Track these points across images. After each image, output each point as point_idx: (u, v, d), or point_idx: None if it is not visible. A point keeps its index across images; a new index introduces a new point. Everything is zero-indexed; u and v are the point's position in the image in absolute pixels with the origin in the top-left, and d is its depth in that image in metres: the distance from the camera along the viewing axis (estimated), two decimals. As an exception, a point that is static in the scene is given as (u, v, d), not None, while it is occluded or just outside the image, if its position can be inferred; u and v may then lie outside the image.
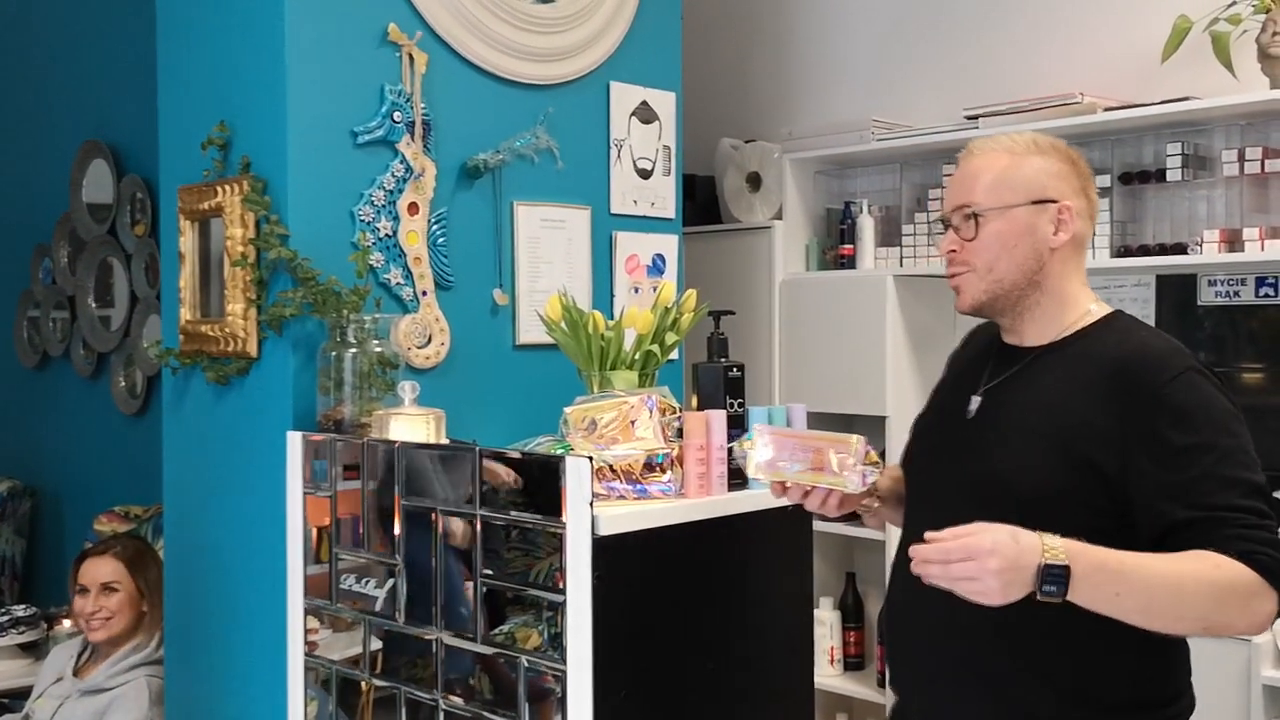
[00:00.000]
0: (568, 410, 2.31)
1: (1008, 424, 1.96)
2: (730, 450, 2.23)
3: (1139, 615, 1.71)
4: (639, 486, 2.23)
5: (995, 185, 1.96)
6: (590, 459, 2.05)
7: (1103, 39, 3.81)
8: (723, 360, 2.42)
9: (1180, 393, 1.81)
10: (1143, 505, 1.81)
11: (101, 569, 3.40)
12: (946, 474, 2.03)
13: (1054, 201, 1.94)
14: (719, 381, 2.36)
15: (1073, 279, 1.99)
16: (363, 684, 2.51)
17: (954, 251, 1.99)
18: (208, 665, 3.00)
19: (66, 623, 4.10)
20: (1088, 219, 2.00)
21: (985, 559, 1.63)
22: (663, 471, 2.23)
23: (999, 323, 2.06)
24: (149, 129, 3.28)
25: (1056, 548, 1.65)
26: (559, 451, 2.29)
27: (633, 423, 2.20)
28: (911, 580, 1.85)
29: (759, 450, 2.01)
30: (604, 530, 2.07)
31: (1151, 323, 3.70)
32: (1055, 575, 1.64)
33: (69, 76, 5.13)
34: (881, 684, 4.09)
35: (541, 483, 2.14)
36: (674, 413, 2.34)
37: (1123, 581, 1.69)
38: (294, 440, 2.65)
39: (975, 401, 2.03)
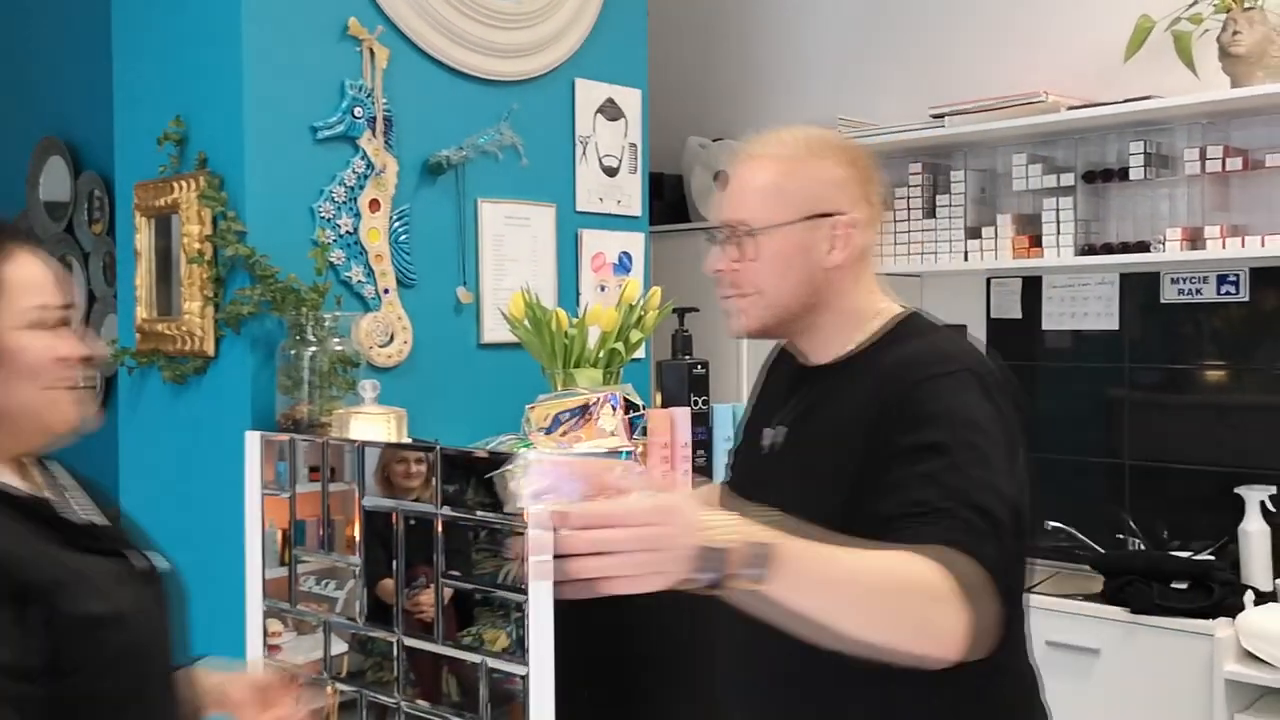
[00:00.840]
0: (530, 408, 2.29)
1: (793, 462, 1.77)
2: (493, 480, 2.05)
3: (814, 613, 1.42)
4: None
5: (767, 199, 1.72)
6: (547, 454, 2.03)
7: (1066, 38, 3.81)
8: (687, 357, 2.40)
9: (926, 395, 1.60)
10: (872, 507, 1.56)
11: None
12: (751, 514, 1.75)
13: (830, 215, 1.71)
14: (683, 379, 2.35)
15: (859, 292, 1.78)
16: (328, 689, 2.48)
17: (722, 271, 1.76)
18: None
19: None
20: (871, 227, 1.77)
21: (666, 528, 1.36)
22: (626, 469, 2.20)
23: (787, 342, 1.88)
24: (107, 125, 3.24)
25: (729, 530, 1.40)
26: (522, 449, 2.27)
27: (596, 420, 2.17)
28: (730, 630, 1.78)
29: (531, 479, 1.83)
30: (566, 530, 2.04)
31: (1115, 321, 3.72)
32: (713, 560, 1.37)
33: (25, 72, 5.05)
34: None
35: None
36: (637, 410, 2.32)
37: (806, 577, 1.41)
38: (252, 440, 2.62)
39: (769, 436, 1.83)
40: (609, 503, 1.40)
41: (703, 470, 2.34)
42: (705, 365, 2.40)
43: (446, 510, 2.20)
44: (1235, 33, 3.20)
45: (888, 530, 1.50)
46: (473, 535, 2.19)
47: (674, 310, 2.50)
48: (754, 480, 1.82)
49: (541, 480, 1.73)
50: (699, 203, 4.53)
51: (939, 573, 1.42)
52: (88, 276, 4.69)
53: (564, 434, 2.17)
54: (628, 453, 2.28)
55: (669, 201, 4.53)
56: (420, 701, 2.28)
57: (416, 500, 2.27)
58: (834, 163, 1.74)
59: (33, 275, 1.49)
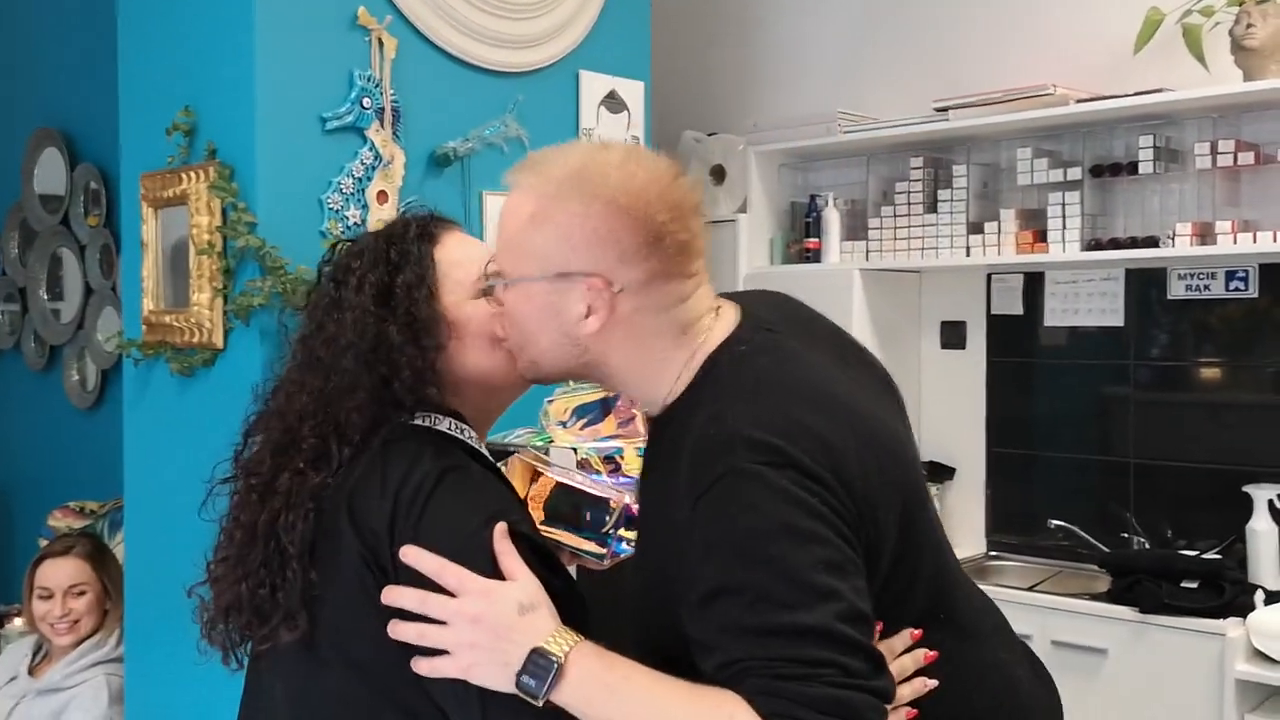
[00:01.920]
0: (549, 401, 2.26)
1: (639, 531, 1.61)
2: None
3: None
4: (624, 479, 2.18)
5: (511, 250, 1.48)
6: (574, 450, 2.00)
7: (1075, 30, 3.79)
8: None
9: (705, 518, 1.34)
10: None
11: (64, 571, 3.30)
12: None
13: (581, 275, 1.43)
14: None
15: (646, 348, 1.48)
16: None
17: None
18: (171, 664, 2.92)
19: (18, 621, 4.00)
20: (653, 285, 1.45)
21: (475, 630, 1.36)
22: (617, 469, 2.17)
23: None
24: (104, 116, 3.20)
25: (564, 641, 1.36)
26: (539, 444, 2.24)
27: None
28: None
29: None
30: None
31: (1120, 317, 3.70)
32: (539, 667, 1.34)
33: (21, 61, 5.00)
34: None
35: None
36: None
37: (610, 701, 1.34)
38: (262, 433, 2.58)
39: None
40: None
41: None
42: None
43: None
44: (1249, 25, 3.19)
45: (713, 675, 1.33)
46: None
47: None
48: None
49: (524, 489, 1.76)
50: (697, 197, 4.50)
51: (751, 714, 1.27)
52: (84, 269, 4.65)
53: (583, 427, 2.14)
54: (619, 450, 2.24)
55: (666, 195, 4.50)
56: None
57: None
58: (598, 208, 1.43)
59: (465, 253, 1.60)
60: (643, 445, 1.68)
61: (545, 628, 1.36)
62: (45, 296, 4.87)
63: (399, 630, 1.40)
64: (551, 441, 2.21)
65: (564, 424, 2.17)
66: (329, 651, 1.47)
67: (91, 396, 4.65)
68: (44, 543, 3.87)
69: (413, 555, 1.40)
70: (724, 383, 1.44)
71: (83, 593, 3.29)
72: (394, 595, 1.41)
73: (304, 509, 1.47)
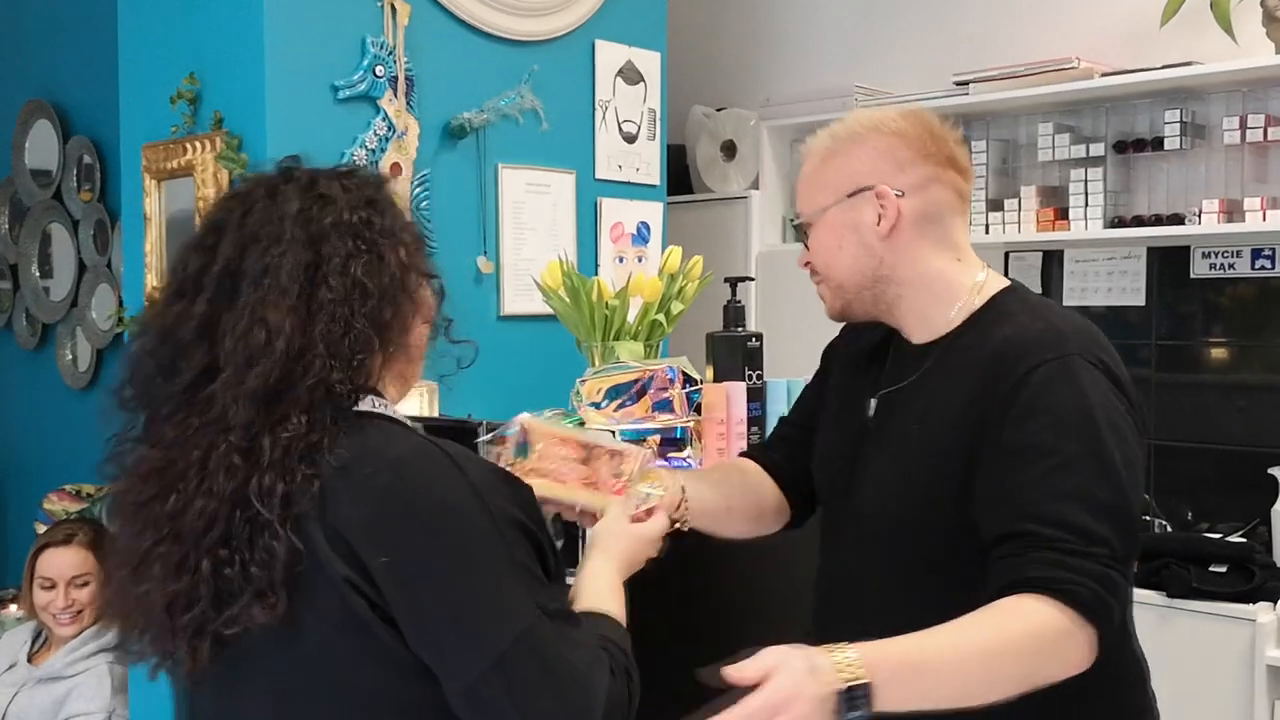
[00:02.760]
0: (581, 382, 2.17)
1: (896, 437, 1.76)
2: (476, 447, 1.88)
3: (954, 702, 1.47)
4: (658, 463, 2.10)
5: (811, 190, 1.79)
6: (613, 434, 1.91)
7: (1099, 1, 3.71)
8: (740, 330, 2.29)
9: (1034, 386, 1.57)
10: (979, 513, 1.59)
11: (67, 561, 3.22)
12: (843, 490, 1.83)
13: (869, 188, 1.71)
14: (737, 352, 2.23)
15: (930, 259, 1.74)
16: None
17: (806, 264, 1.84)
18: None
19: (13, 608, 3.90)
20: (932, 189, 1.73)
21: (792, 709, 1.38)
22: (683, 447, 2.09)
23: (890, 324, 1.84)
24: (99, 87, 3.10)
25: (853, 663, 1.40)
26: (569, 425, 2.15)
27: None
28: (825, 602, 1.84)
29: (515, 449, 1.78)
30: (627, 510, 1.93)
31: (1142, 297, 3.63)
32: (856, 698, 1.40)
33: (10, 32, 4.88)
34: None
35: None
36: (695, 384, 2.20)
37: (929, 675, 1.46)
38: (274, 414, 2.49)
39: (872, 405, 1.82)
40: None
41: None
42: (759, 338, 2.29)
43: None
44: (1282, -3, 3.11)
45: (994, 549, 1.52)
46: None
47: (725, 280, 2.39)
48: (847, 453, 1.80)
49: (531, 453, 1.74)
50: (704, 173, 4.42)
51: (1047, 612, 1.45)
52: (77, 245, 4.55)
53: (617, 409, 2.06)
54: (654, 432, 2.17)
55: (671, 172, 4.40)
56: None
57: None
58: (877, 137, 1.73)
59: None
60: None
61: (824, 664, 1.39)
62: (37, 273, 4.76)
63: None
64: (584, 424, 2.13)
65: (597, 405, 2.09)
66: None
67: (86, 376, 4.55)
68: (41, 528, 3.78)
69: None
70: (1022, 313, 1.68)
71: (86, 583, 3.21)
72: None
73: (294, 471, 1.34)
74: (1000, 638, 1.46)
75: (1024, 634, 1.46)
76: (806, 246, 1.80)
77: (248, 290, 1.40)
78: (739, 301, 2.32)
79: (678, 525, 1.81)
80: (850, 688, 1.38)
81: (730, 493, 1.92)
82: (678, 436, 2.10)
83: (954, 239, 1.74)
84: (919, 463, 1.68)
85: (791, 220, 1.92)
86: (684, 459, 2.10)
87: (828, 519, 1.90)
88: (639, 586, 1.95)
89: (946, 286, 1.73)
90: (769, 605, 2.06)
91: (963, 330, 1.71)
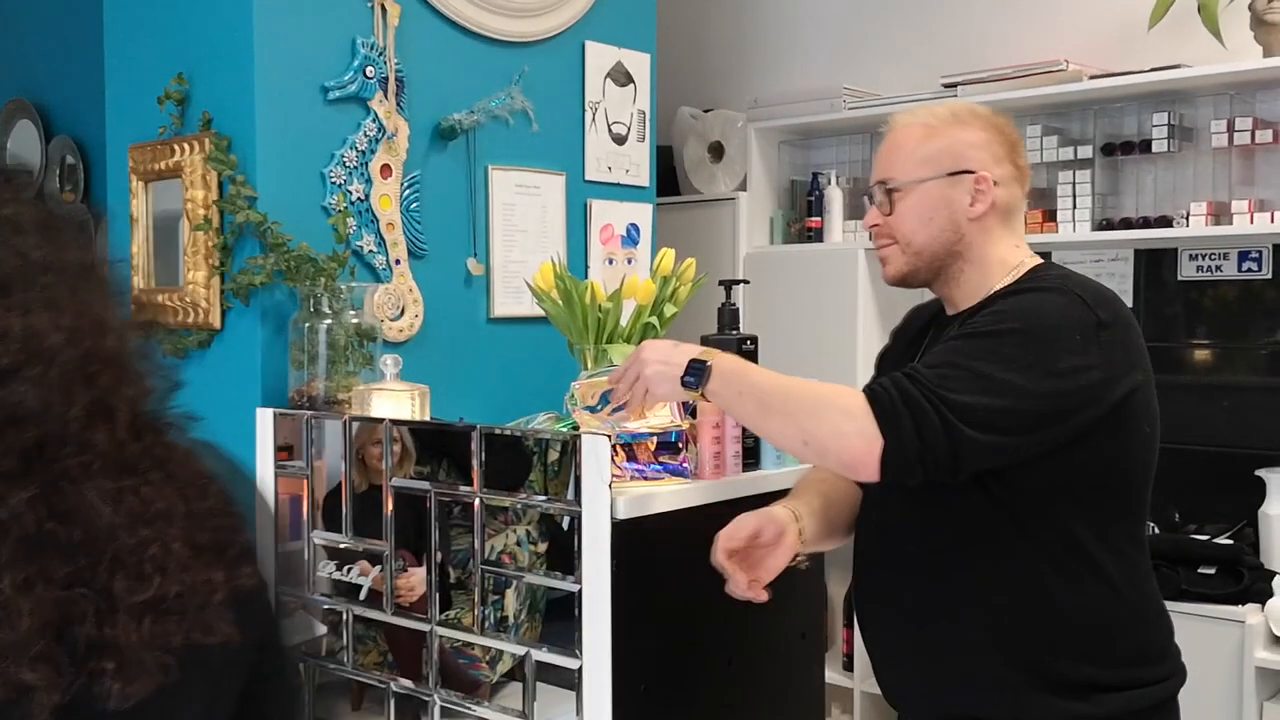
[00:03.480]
0: (576, 385, 2.15)
1: None
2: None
3: (754, 411, 1.82)
4: (653, 466, 2.08)
5: (910, 159, 1.94)
6: (608, 437, 1.90)
7: (1087, 4, 3.72)
8: (734, 332, 2.28)
9: (1011, 294, 1.85)
10: None
11: None
12: None
13: (970, 172, 1.90)
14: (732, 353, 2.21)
15: (999, 245, 1.94)
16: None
17: (877, 225, 1.98)
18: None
19: None
20: (1014, 185, 1.95)
21: (643, 359, 1.87)
22: (678, 451, 2.08)
23: (932, 290, 2.05)
24: (83, 86, 3.07)
25: (705, 352, 1.85)
26: (563, 429, 2.14)
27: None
28: (868, 558, 1.99)
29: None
30: (622, 514, 1.93)
31: (1129, 299, 3.64)
32: (696, 370, 1.82)
33: (-10, 32, 4.84)
34: (848, 666, 4.00)
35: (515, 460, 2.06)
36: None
37: (746, 380, 1.82)
38: (264, 417, 2.47)
39: None
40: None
41: (751, 452, 2.22)
42: (755, 340, 2.28)
43: (487, 493, 2.07)
44: (1271, 0, 3.12)
45: None
46: (449, 512, 2.15)
47: (720, 283, 2.38)
48: None
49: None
50: (691, 175, 4.41)
51: (850, 393, 1.74)
52: (59, 246, 4.50)
53: (611, 413, 2.04)
54: (648, 436, 2.15)
55: (659, 173, 4.39)
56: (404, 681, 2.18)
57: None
58: (977, 128, 1.93)
59: None
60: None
61: (685, 346, 1.89)
62: (19, 274, 4.72)
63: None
64: (577, 427, 2.11)
65: (592, 409, 2.07)
66: None
67: (69, 378, 4.51)
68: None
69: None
70: (1050, 278, 1.87)
71: None
72: None
73: None
74: (803, 385, 1.78)
75: (819, 390, 1.77)
76: (881, 209, 1.96)
77: None
78: (734, 304, 2.31)
79: (798, 563, 2.00)
80: (696, 361, 1.83)
81: (829, 513, 2.04)
82: (672, 440, 2.08)
83: (1019, 231, 1.97)
84: None
85: (872, 187, 1.99)
86: (679, 463, 2.09)
87: (868, 491, 2.02)
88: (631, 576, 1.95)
89: (1000, 265, 1.93)
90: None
91: (996, 296, 1.89)
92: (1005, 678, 1.82)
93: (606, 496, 1.89)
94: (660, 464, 2.08)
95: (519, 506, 2.07)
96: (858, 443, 1.70)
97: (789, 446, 1.84)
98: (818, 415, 1.74)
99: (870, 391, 1.72)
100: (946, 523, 1.84)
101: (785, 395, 1.78)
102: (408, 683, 2.21)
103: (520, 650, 2.04)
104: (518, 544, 2.08)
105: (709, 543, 1.91)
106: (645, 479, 2.07)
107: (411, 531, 2.21)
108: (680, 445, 2.09)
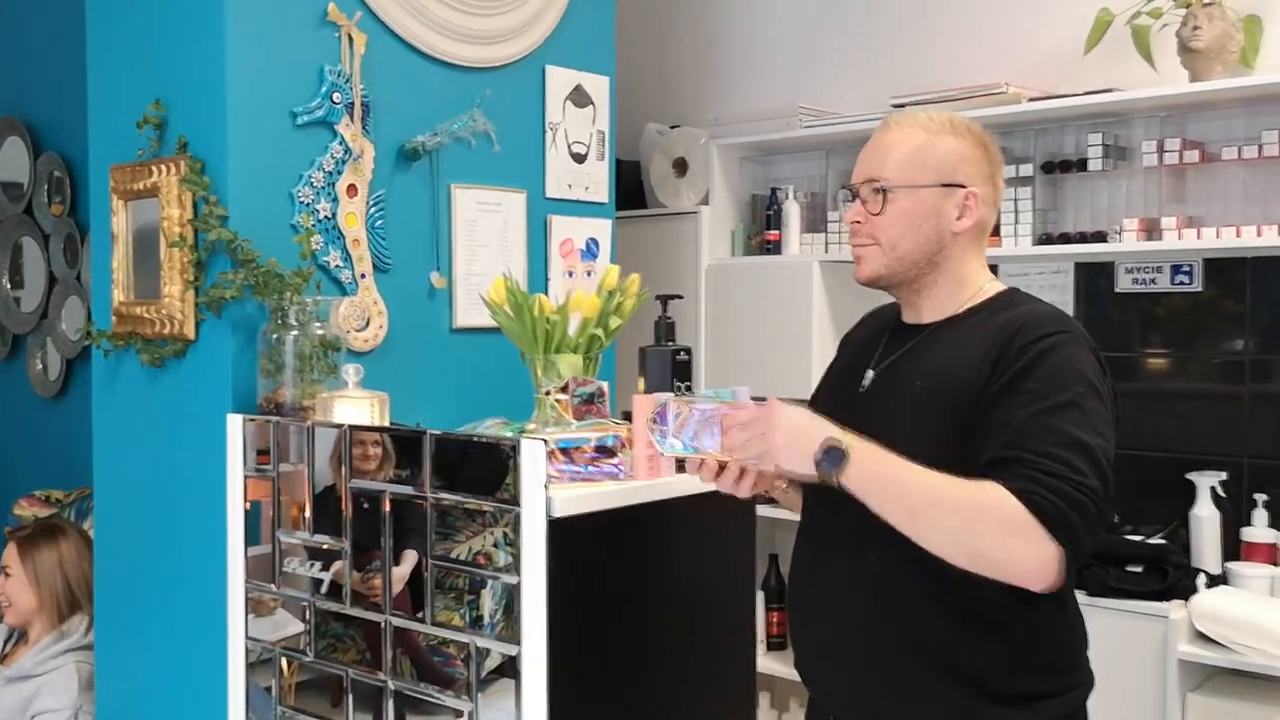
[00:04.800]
0: (546, 393, 2.31)
1: (897, 395, 1.97)
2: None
3: (903, 517, 1.75)
4: (589, 468, 2.25)
5: (906, 163, 1.95)
6: (545, 441, 2.06)
7: (1027, 30, 3.89)
8: (670, 344, 2.44)
9: (1045, 349, 1.82)
10: (981, 442, 1.82)
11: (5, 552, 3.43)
12: None
13: (962, 186, 1.94)
14: (667, 365, 2.39)
15: (972, 261, 1.99)
16: (294, 663, 2.52)
17: (859, 223, 1.99)
18: (142, 650, 2.97)
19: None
20: (992, 206, 2.00)
21: (774, 424, 1.82)
22: (614, 454, 2.25)
23: (896, 297, 2.08)
24: (68, 106, 3.22)
25: (845, 435, 1.78)
26: (508, 434, 2.30)
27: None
28: (814, 550, 2.05)
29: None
30: (558, 512, 2.09)
31: (1070, 309, 3.80)
32: (832, 453, 1.77)
33: (-18, 51, 5.01)
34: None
35: (483, 464, 2.16)
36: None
37: (891, 473, 1.76)
38: (234, 423, 2.63)
39: (869, 376, 2.04)
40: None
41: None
42: (689, 351, 2.44)
43: (436, 494, 2.23)
44: (1195, 28, 3.28)
45: (983, 473, 1.75)
46: (439, 517, 2.24)
47: (656, 297, 2.54)
48: (843, 416, 1.94)
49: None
50: (657, 189, 4.58)
51: (1011, 501, 1.69)
52: (48, 258, 4.67)
53: (684, 443, 2.10)
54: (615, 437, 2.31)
55: (626, 188, 4.57)
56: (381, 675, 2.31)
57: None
58: (970, 142, 1.97)
59: None
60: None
61: (824, 422, 1.82)
62: (8, 285, 4.88)
63: None
64: (521, 431, 2.27)
65: (661, 432, 2.16)
66: None
67: (55, 385, 4.67)
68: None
69: None
70: (1029, 302, 1.95)
71: (7, 574, 3.36)
72: None
73: None
74: (961, 489, 1.72)
75: (981, 499, 1.71)
76: (870, 208, 1.96)
77: None
78: (669, 318, 2.47)
79: (780, 483, 2.08)
80: (833, 444, 1.77)
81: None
82: (609, 444, 2.24)
83: (984, 244, 2.03)
84: (922, 409, 1.90)
85: (859, 184, 2.01)
86: (614, 465, 2.25)
87: (816, 486, 1.96)
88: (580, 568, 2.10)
89: (970, 282, 1.98)
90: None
91: (969, 314, 1.96)
92: (943, 688, 1.87)
93: (542, 496, 2.05)
94: (596, 466, 2.24)
95: (475, 507, 2.19)
96: (1034, 561, 1.70)
97: (950, 558, 1.76)
98: (979, 530, 1.72)
99: (1030, 502, 1.69)
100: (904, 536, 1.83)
101: (935, 504, 1.74)
102: (360, 671, 2.35)
103: (464, 639, 2.19)
104: (494, 545, 2.17)
105: (644, 539, 2.07)
106: (582, 480, 2.24)
107: (394, 533, 2.32)
108: (615, 449, 2.25)
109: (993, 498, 1.70)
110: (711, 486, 2.05)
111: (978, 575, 1.76)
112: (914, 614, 1.89)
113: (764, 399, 1.93)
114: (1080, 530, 1.70)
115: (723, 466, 1.94)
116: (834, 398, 2.11)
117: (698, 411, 1.93)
